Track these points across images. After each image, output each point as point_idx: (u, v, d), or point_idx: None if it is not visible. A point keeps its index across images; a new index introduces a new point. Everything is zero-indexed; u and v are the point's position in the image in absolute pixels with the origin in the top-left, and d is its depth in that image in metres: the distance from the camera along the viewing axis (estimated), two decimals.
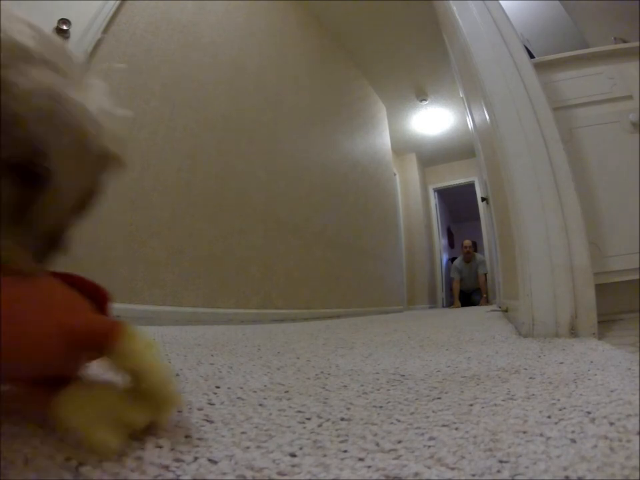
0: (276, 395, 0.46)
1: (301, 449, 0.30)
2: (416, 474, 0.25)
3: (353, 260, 3.13)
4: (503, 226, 1.58)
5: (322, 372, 0.61)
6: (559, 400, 0.40)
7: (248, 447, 0.30)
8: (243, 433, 0.33)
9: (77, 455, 0.26)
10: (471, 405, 0.40)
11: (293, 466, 0.27)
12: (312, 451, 0.29)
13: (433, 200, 6.10)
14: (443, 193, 6.38)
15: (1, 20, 0.27)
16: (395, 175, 5.07)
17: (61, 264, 0.33)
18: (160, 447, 0.29)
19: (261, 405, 0.42)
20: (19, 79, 0.26)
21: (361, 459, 0.28)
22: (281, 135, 2.47)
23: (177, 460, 0.27)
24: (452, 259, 5.77)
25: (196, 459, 0.27)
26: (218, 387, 0.49)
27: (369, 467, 0.27)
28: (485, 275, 4.73)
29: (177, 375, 0.56)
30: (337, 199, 3.03)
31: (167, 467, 0.26)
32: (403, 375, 0.57)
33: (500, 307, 2.34)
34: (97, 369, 0.32)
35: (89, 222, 0.37)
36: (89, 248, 1.28)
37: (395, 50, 3.63)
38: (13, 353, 0.25)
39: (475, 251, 5.02)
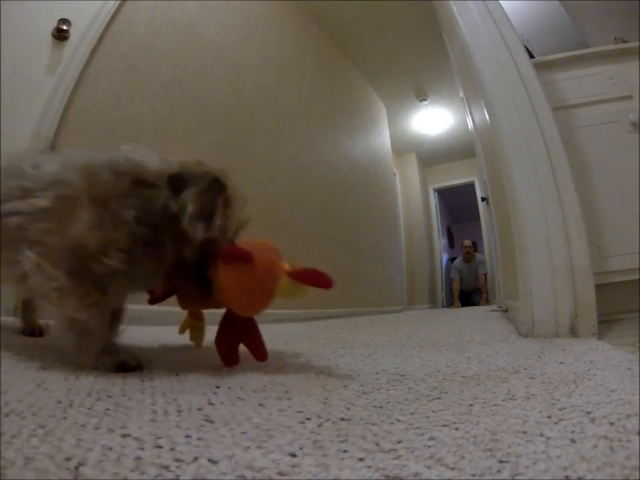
0: (276, 394, 0.46)
1: (301, 449, 0.30)
2: (416, 474, 0.25)
3: (352, 260, 3.13)
4: (503, 226, 1.58)
5: (322, 372, 0.61)
6: (559, 400, 0.40)
7: (248, 447, 0.30)
8: (243, 433, 0.33)
9: (76, 455, 0.27)
10: (471, 405, 0.40)
11: (293, 466, 0.27)
12: (312, 451, 0.29)
13: (433, 200, 6.10)
14: (443, 193, 6.38)
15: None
16: (395, 175, 5.07)
17: None
18: (160, 447, 0.29)
19: (260, 404, 0.42)
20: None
21: (361, 459, 0.28)
22: (280, 134, 2.47)
23: (177, 460, 0.27)
24: (452, 259, 5.77)
25: (196, 459, 0.27)
26: (218, 387, 0.49)
27: (369, 467, 0.27)
28: (485, 274, 4.73)
29: (177, 375, 0.56)
30: (336, 199, 3.03)
31: (166, 467, 0.26)
32: (403, 375, 0.58)
33: (500, 307, 2.34)
34: None
35: None
36: None
37: (395, 50, 3.62)
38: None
39: (475, 250, 5.03)
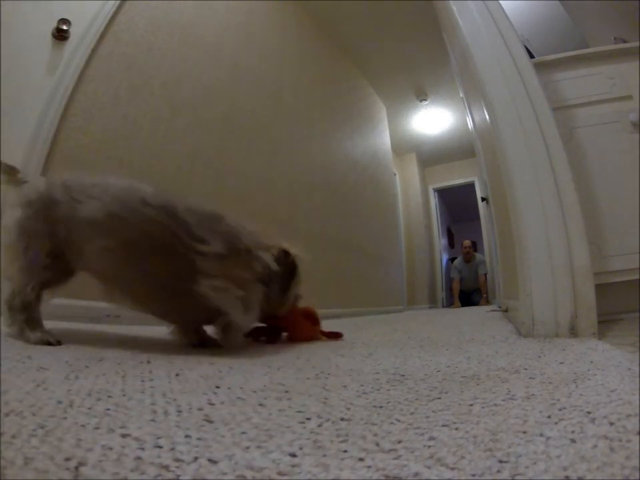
0: (276, 394, 0.46)
1: (300, 449, 0.30)
2: (416, 474, 0.25)
3: (353, 260, 3.13)
4: (503, 226, 1.58)
5: (322, 372, 0.61)
6: (558, 400, 0.40)
7: (248, 447, 0.30)
8: (242, 433, 0.33)
9: (76, 455, 0.27)
10: (471, 405, 0.40)
11: (293, 466, 0.27)
12: (312, 450, 0.29)
13: (433, 200, 6.10)
14: (443, 193, 6.38)
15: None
16: (394, 175, 5.07)
17: None
18: (160, 446, 0.29)
19: (260, 404, 0.42)
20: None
21: (361, 459, 0.28)
22: (280, 134, 2.47)
23: (177, 460, 0.27)
24: (452, 259, 5.77)
25: (196, 458, 0.27)
26: (218, 387, 0.49)
27: (369, 467, 0.27)
28: (485, 274, 4.73)
29: (177, 375, 0.56)
30: (336, 199, 3.03)
31: (166, 467, 0.26)
32: (403, 375, 0.57)
33: (500, 307, 2.34)
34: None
35: None
36: None
37: (395, 50, 3.62)
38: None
39: (475, 250, 5.02)
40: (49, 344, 0.73)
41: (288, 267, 0.89)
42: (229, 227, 0.83)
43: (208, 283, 0.75)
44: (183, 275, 0.77)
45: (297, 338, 1.06)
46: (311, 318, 1.10)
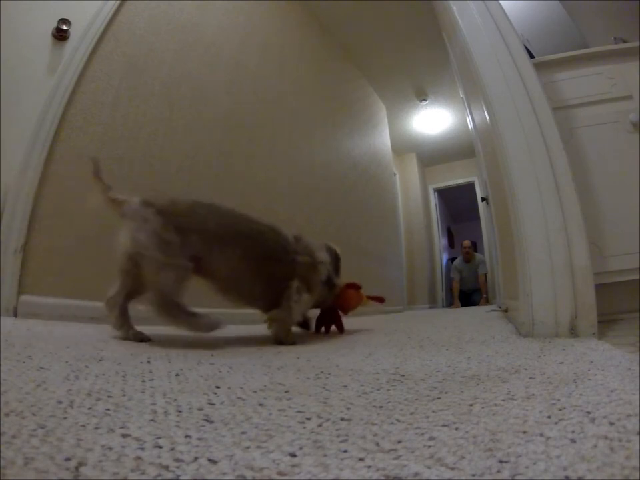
0: (276, 394, 0.46)
1: (300, 448, 0.30)
2: (416, 474, 0.25)
3: (353, 260, 3.13)
4: (502, 226, 1.58)
5: (322, 372, 0.61)
6: (559, 400, 0.40)
7: (248, 447, 0.30)
8: (242, 433, 0.33)
9: (76, 455, 0.27)
10: (471, 405, 0.40)
11: (293, 466, 0.27)
12: (312, 450, 0.29)
13: (433, 200, 6.10)
14: (443, 193, 6.37)
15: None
16: (395, 175, 5.06)
17: None
18: (160, 447, 0.29)
19: (260, 404, 0.42)
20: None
21: (361, 459, 0.28)
22: (280, 134, 2.47)
23: (177, 460, 0.27)
24: (452, 259, 5.77)
25: (196, 458, 0.27)
26: (218, 387, 0.49)
27: (369, 466, 0.27)
28: (485, 274, 4.73)
29: (177, 375, 0.56)
30: (337, 199, 3.03)
31: (166, 467, 0.26)
32: (403, 375, 0.57)
33: (500, 307, 2.34)
34: None
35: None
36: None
37: (395, 50, 3.62)
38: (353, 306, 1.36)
39: (475, 251, 5.02)
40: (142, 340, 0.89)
41: (333, 257, 1.25)
42: (308, 243, 1.17)
43: (294, 290, 1.03)
44: (282, 277, 1.04)
45: (348, 307, 1.32)
46: (354, 286, 1.33)
